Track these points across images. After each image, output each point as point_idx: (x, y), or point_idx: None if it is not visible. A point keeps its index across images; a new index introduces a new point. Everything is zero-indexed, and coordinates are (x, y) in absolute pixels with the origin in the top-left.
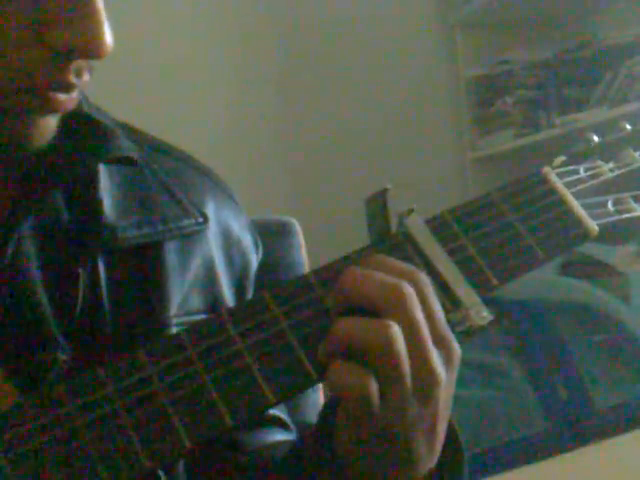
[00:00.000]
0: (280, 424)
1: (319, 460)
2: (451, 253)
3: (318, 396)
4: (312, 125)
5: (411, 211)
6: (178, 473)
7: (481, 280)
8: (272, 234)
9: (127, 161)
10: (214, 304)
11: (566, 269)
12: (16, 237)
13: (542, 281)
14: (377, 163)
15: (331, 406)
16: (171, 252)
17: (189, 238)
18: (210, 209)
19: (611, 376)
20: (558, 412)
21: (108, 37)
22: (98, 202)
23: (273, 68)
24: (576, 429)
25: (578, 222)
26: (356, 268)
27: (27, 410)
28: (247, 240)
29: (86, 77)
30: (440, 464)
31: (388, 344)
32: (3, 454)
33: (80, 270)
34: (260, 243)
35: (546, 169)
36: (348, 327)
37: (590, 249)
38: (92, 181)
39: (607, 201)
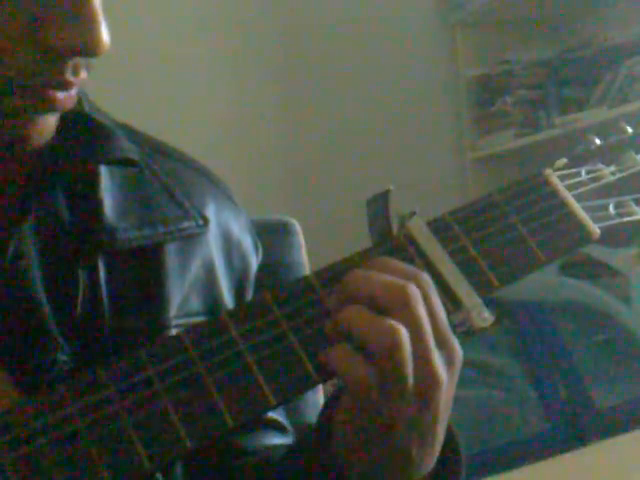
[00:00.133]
0: (278, 427)
1: (318, 460)
2: (452, 255)
3: (318, 397)
4: (312, 125)
5: (413, 213)
6: (176, 475)
7: (482, 281)
8: (272, 234)
9: (128, 162)
10: (213, 306)
11: (566, 269)
12: (17, 237)
13: (542, 281)
14: (377, 163)
15: (330, 406)
16: (171, 254)
17: (189, 240)
18: (210, 211)
19: (611, 376)
20: (558, 412)
21: (105, 35)
22: (99, 203)
23: (273, 68)
24: (576, 429)
25: (579, 225)
26: (359, 270)
27: (28, 411)
28: (247, 242)
29: (84, 75)
30: (438, 465)
31: (395, 348)
32: (4, 455)
33: (80, 271)
34: (260, 245)
35: (547, 171)
36: (353, 317)
37: (591, 252)
38: (93, 182)
39: (608, 204)
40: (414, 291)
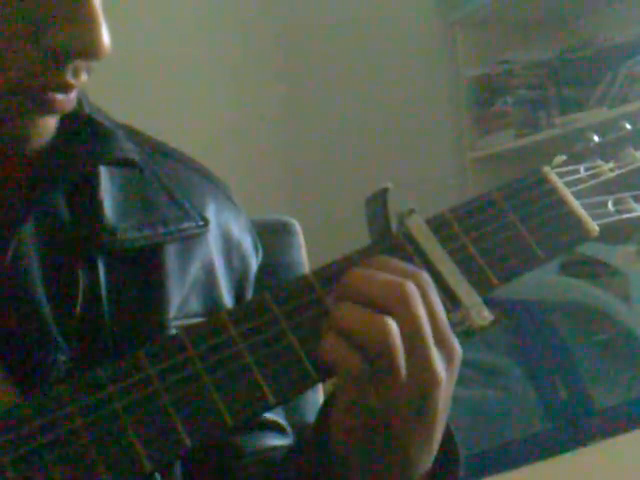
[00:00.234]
0: (277, 429)
1: (317, 460)
2: (451, 253)
3: (318, 396)
4: (312, 125)
5: (412, 211)
6: (176, 476)
7: (482, 280)
8: (272, 234)
9: (128, 163)
10: (213, 307)
11: (566, 269)
12: (17, 238)
13: (542, 281)
14: (377, 163)
15: (328, 405)
16: (171, 255)
17: (189, 241)
18: (210, 212)
19: (611, 376)
20: (558, 412)
21: (106, 38)
22: (99, 204)
23: (273, 68)
24: (576, 429)
25: (578, 222)
26: (358, 269)
27: (28, 411)
28: (247, 243)
29: (84, 77)
30: (436, 464)
31: (384, 339)
32: (4, 454)
33: (80, 271)
34: (260, 246)
35: (546, 169)
36: (347, 314)
37: (590, 249)
38: (93, 182)
39: (607, 201)
40: (412, 289)
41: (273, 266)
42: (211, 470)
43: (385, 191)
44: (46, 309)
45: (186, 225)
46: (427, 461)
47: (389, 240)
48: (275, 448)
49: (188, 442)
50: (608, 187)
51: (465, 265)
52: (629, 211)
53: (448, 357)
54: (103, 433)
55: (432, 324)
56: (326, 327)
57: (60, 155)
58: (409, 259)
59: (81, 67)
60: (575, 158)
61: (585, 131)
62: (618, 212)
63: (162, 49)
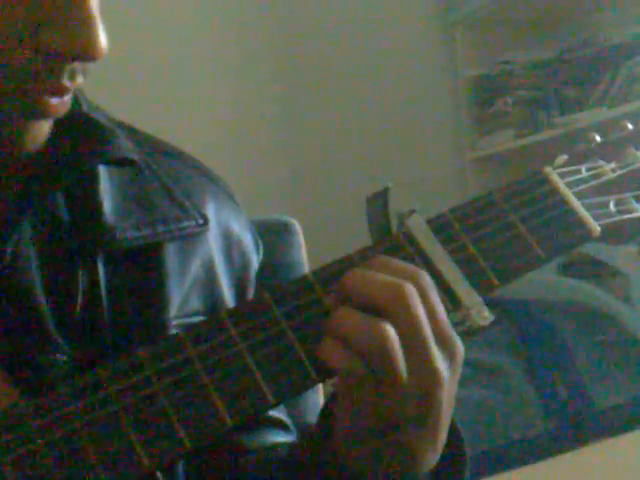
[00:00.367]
0: (280, 425)
1: (319, 459)
2: (452, 253)
3: (318, 397)
4: (312, 124)
5: (412, 211)
6: (177, 475)
7: (482, 280)
8: (272, 234)
9: (127, 162)
10: (214, 306)
11: (567, 269)
12: (15, 238)
13: (543, 281)
14: (377, 163)
15: (330, 404)
16: (171, 253)
17: (189, 239)
18: (210, 210)
19: (611, 376)
20: (558, 412)
21: (102, 40)
22: (98, 203)
23: (273, 68)
24: (576, 429)
25: (580, 222)
26: (357, 270)
27: (27, 411)
28: (247, 240)
29: (79, 80)
30: (442, 461)
31: (382, 345)
32: (3, 455)
33: (80, 271)
34: (260, 243)
35: (547, 169)
36: (345, 319)
37: (591, 249)
38: (92, 182)
39: (609, 201)
40: (411, 290)
41: (273, 266)
42: (214, 468)
43: (386, 191)
44: (45, 309)
45: (186, 224)
46: (432, 459)
47: (390, 240)
48: (278, 445)
49: (187, 443)
50: (610, 187)
51: (466, 265)
52: (630, 211)
53: (450, 355)
54: (102, 433)
55: (432, 323)
56: (326, 330)
57: (59, 154)
58: (410, 259)
59: (77, 69)
60: (576, 158)
61: (585, 131)
62: (619, 212)
63: (162, 49)
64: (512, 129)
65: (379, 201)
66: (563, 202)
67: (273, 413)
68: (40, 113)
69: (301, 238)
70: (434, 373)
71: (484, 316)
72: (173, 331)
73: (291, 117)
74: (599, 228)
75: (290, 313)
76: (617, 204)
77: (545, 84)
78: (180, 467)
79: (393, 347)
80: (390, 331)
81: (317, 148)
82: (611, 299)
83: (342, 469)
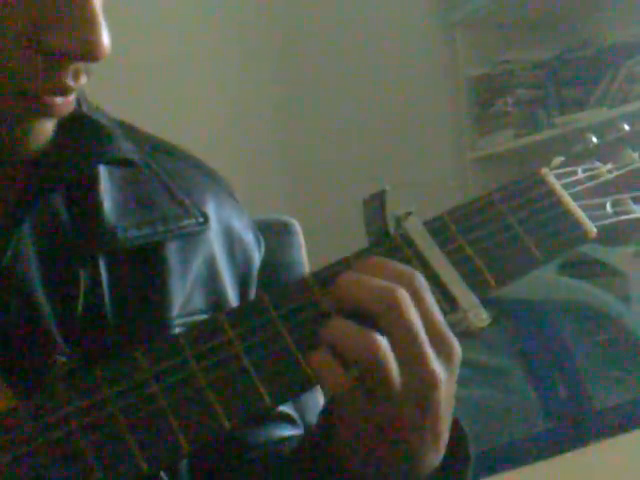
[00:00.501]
0: (287, 419)
1: (320, 462)
2: (449, 255)
3: (318, 396)
4: (312, 124)
5: (409, 213)
6: (181, 475)
7: (479, 282)
8: (272, 234)
9: (126, 162)
10: (217, 304)
11: (566, 269)
12: (15, 239)
13: (542, 281)
14: (377, 163)
15: (330, 406)
16: (172, 252)
17: (190, 238)
18: (211, 208)
19: (611, 376)
20: (558, 412)
21: (105, 40)
22: (98, 203)
23: (273, 68)
24: (576, 429)
25: (577, 224)
26: (351, 273)
27: (25, 412)
28: (249, 237)
29: (83, 80)
30: (446, 461)
31: (374, 356)
32: (1, 456)
33: (81, 272)
34: (262, 240)
35: (544, 170)
36: (337, 332)
37: (589, 251)
38: (92, 182)
39: (606, 203)
40: (404, 295)
41: (273, 266)
42: (220, 463)
43: (383, 193)
44: (46, 310)
45: (186, 222)
46: (434, 460)
47: (387, 242)
48: (286, 439)
49: (185, 445)
50: (606, 189)
51: (463, 267)
52: (628, 212)
53: (447, 356)
54: (100, 435)
55: (428, 325)
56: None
57: (58, 155)
58: (406, 261)
59: (81, 69)
60: (573, 160)
61: (585, 131)
62: (616, 214)
63: (161, 50)
64: (512, 129)
65: (376, 203)
66: (560, 203)
67: (281, 408)
68: (44, 113)
69: (301, 238)
70: (430, 376)
71: (481, 318)
72: (176, 330)
73: (291, 117)
74: (596, 229)
75: (287, 315)
76: (614, 205)
77: (545, 84)
78: (184, 468)
79: (385, 357)
80: (381, 341)
81: (317, 148)
82: (611, 299)
83: (343, 471)
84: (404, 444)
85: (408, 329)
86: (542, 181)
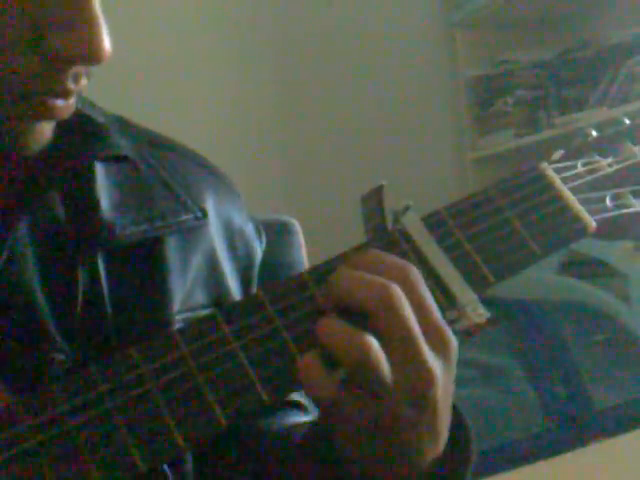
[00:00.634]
0: (298, 407)
1: (321, 455)
2: (447, 250)
3: None
4: (312, 124)
5: (407, 208)
6: (186, 472)
7: (477, 277)
8: (272, 234)
9: (122, 159)
10: (219, 298)
11: (566, 269)
12: (12, 238)
13: (542, 281)
14: (377, 163)
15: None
16: (171, 248)
17: (189, 233)
18: (210, 202)
19: (611, 376)
20: (558, 412)
21: (106, 43)
22: (95, 200)
23: (272, 68)
24: (576, 429)
25: (576, 218)
26: (345, 269)
27: (21, 410)
28: (249, 229)
29: (84, 82)
30: (447, 455)
31: (365, 357)
32: None
33: (79, 269)
34: (263, 232)
35: (543, 164)
36: (327, 331)
37: (588, 245)
38: (88, 179)
39: (605, 196)
40: (397, 292)
41: (273, 266)
42: (225, 453)
43: (381, 188)
44: (44, 309)
45: (184, 218)
46: (432, 456)
47: (384, 237)
48: (296, 425)
49: (181, 443)
50: (606, 182)
51: (461, 262)
52: (627, 206)
53: (443, 352)
54: (96, 433)
55: (422, 320)
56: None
57: (54, 153)
58: (403, 256)
59: (81, 72)
60: (573, 154)
61: (584, 129)
62: (616, 207)
63: (161, 50)
64: (512, 129)
65: (374, 198)
66: (559, 198)
67: (292, 395)
68: (45, 115)
69: (301, 238)
70: (426, 372)
71: (479, 313)
72: (177, 326)
73: (291, 116)
74: (595, 223)
75: (284, 311)
76: (613, 199)
77: (545, 84)
78: (189, 459)
79: (376, 357)
80: (372, 342)
81: (317, 148)
82: (610, 299)
83: (343, 465)
84: (401, 442)
85: (402, 326)
86: (541, 175)
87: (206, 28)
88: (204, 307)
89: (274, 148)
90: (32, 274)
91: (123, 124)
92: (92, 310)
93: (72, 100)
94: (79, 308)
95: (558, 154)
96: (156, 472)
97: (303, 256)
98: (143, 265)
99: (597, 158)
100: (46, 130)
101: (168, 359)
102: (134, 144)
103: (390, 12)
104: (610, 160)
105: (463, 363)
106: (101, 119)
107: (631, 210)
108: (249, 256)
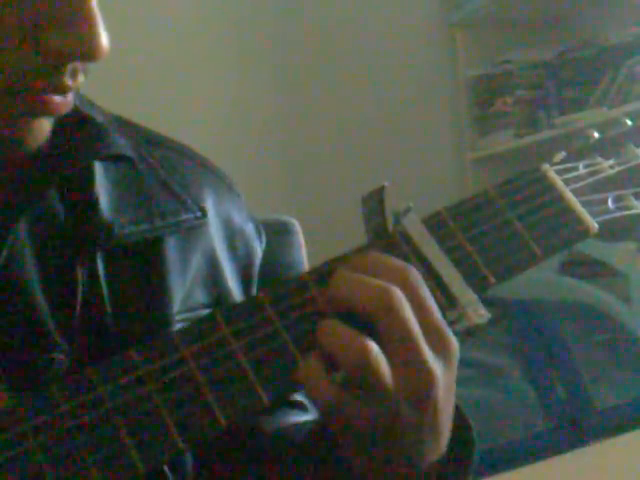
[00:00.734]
0: (298, 406)
1: (322, 456)
2: (448, 251)
3: None
4: (312, 124)
5: (408, 209)
6: (186, 472)
7: (478, 278)
8: (272, 234)
9: (121, 158)
10: (219, 298)
11: (566, 269)
12: (11, 238)
13: (542, 281)
14: (377, 163)
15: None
16: (171, 248)
17: (188, 233)
18: (209, 201)
19: (611, 376)
20: (558, 412)
21: (104, 40)
22: (94, 200)
23: (272, 68)
24: (576, 429)
25: (578, 220)
26: (345, 272)
27: (20, 411)
28: (249, 229)
29: (81, 79)
30: (449, 455)
31: (366, 362)
32: None
33: (79, 269)
34: (262, 231)
35: (545, 166)
36: (327, 335)
37: (589, 247)
38: (87, 179)
39: (607, 198)
40: (397, 295)
41: (273, 266)
42: (234, 452)
43: (382, 189)
44: (44, 309)
45: (184, 217)
46: (434, 456)
47: (385, 239)
48: (298, 424)
49: (180, 444)
50: (608, 184)
51: (461, 263)
52: (629, 208)
53: (443, 353)
54: (95, 434)
55: (423, 322)
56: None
57: (53, 153)
58: (404, 258)
59: (79, 69)
60: (574, 155)
61: (585, 131)
62: (618, 209)
63: (161, 49)
64: (512, 129)
65: (375, 199)
66: (560, 199)
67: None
68: (43, 112)
69: (301, 238)
70: (427, 374)
71: (480, 314)
72: (177, 326)
73: (291, 116)
74: (597, 225)
75: (284, 312)
76: (615, 201)
77: (545, 84)
78: (189, 460)
79: (376, 361)
80: (372, 346)
81: (317, 148)
82: (611, 299)
83: (344, 465)
84: (402, 442)
85: (402, 328)
86: (543, 176)
87: (206, 28)
88: (204, 307)
89: (274, 148)
90: (31, 274)
91: (122, 123)
92: (91, 310)
93: (70, 96)
94: (78, 308)
95: (560, 156)
96: (156, 473)
97: (303, 256)
98: (143, 265)
99: (599, 160)
100: (44, 127)
101: (168, 360)
102: (133, 144)
103: (390, 12)
104: (612, 162)
105: (463, 363)
106: (100, 118)
107: (633, 212)
108: (249, 255)
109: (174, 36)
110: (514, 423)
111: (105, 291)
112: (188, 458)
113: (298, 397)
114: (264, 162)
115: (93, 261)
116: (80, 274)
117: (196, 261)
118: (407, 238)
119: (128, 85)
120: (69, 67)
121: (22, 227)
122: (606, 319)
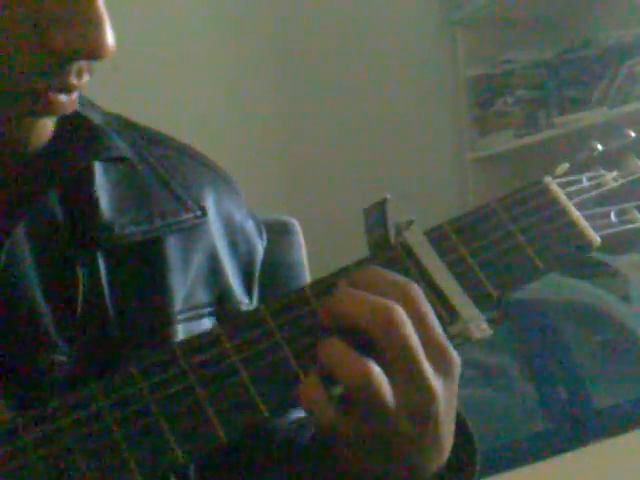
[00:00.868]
0: None
1: (321, 463)
2: (450, 265)
3: None
4: (312, 125)
5: (410, 222)
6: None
7: (480, 292)
8: (272, 234)
9: (120, 159)
10: (221, 296)
11: (566, 269)
12: (10, 242)
13: (543, 281)
14: (376, 163)
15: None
16: (172, 247)
17: (189, 232)
18: (210, 200)
19: (611, 376)
20: (558, 412)
21: (110, 38)
22: (94, 200)
23: (273, 69)
24: (576, 429)
25: (580, 234)
26: (346, 289)
27: (21, 425)
28: (250, 227)
29: (86, 78)
30: (451, 464)
31: (367, 382)
32: None
33: (80, 270)
34: (263, 229)
35: (547, 179)
36: (328, 354)
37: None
38: (87, 180)
39: (610, 212)
40: (399, 313)
41: (273, 266)
42: (228, 453)
43: (384, 201)
44: (44, 311)
45: (184, 217)
46: (435, 465)
47: (387, 252)
48: (301, 420)
49: (181, 458)
50: (611, 197)
51: (464, 277)
52: (632, 221)
53: (445, 368)
54: (96, 448)
55: (424, 338)
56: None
57: (52, 154)
58: (406, 272)
59: (84, 67)
60: (578, 167)
61: (585, 131)
62: (621, 223)
63: (161, 49)
64: (512, 129)
65: (377, 211)
66: (563, 213)
67: None
68: (48, 111)
69: (301, 238)
70: (427, 390)
71: (482, 329)
72: (179, 326)
73: (291, 116)
74: (599, 239)
75: (285, 326)
76: (618, 214)
77: (545, 84)
78: (192, 471)
79: (377, 381)
80: (373, 366)
81: (317, 148)
82: (611, 299)
83: (343, 473)
84: (402, 456)
85: (403, 346)
86: (545, 189)
87: (206, 28)
88: (206, 305)
89: (274, 148)
90: (31, 276)
91: (122, 123)
92: (93, 311)
93: (75, 95)
94: (79, 309)
95: (563, 168)
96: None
97: (303, 256)
98: (143, 265)
99: (602, 172)
100: (48, 126)
101: (168, 374)
102: (133, 144)
103: (390, 11)
104: (615, 174)
105: (463, 363)
106: (98, 120)
107: (636, 225)
108: (250, 253)
109: (174, 36)
110: (514, 423)
111: (106, 292)
112: (190, 468)
113: None
114: (264, 162)
115: (94, 262)
116: (81, 275)
117: (197, 260)
118: (409, 251)
119: (128, 84)
120: (74, 66)
121: (21, 229)
122: (606, 319)
